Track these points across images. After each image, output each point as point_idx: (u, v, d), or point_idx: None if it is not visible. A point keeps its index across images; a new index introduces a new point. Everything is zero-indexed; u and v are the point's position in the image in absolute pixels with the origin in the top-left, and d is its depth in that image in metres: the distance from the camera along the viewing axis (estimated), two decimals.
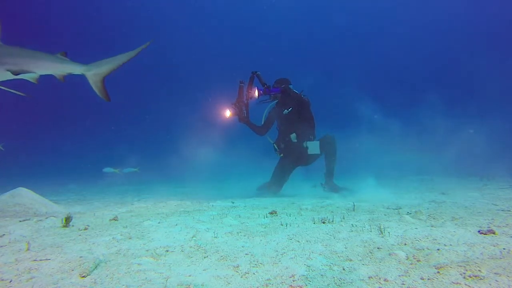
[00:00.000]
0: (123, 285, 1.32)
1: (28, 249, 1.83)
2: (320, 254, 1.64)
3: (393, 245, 1.75)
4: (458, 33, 26.65)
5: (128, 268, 1.50)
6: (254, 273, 1.42)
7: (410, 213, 2.69)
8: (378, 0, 28.47)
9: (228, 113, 4.77)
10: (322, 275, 1.37)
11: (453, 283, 1.22)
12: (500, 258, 1.46)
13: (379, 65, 27.91)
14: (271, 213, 2.90)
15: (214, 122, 4.89)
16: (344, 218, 2.56)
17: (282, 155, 5.04)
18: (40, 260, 1.63)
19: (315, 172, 5.30)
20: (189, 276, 1.41)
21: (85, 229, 2.40)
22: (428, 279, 1.27)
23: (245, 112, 4.84)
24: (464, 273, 1.29)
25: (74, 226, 2.52)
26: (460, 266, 1.36)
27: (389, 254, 1.59)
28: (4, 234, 2.25)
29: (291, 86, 4.99)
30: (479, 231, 1.92)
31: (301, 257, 1.60)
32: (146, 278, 1.39)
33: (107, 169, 8.01)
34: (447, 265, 1.39)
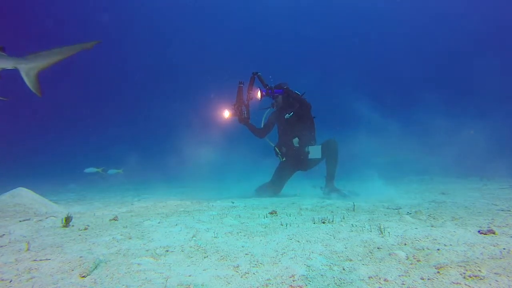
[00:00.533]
0: (123, 285, 1.32)
1: (28, 249, 1.83)
2: (320, 254, 1.64)
3: (393, 245, 1.75)
4: (458, 33, 26.67)
5: (128, 268, 1.50)
6: (254, 273, 1.42)
7: (410, 213, 2.69)
8: (378, 0, 28.49)
9: (227, 113, 4.75)
10: (322, 275, 1.37)
11: (453, 283, 1.22)
12: (500, 258, 1.46)
13: (379, 65, 27.94)
14: (271, 213, 2.90)
15: (214, 122, 4.87)
16: (344, 218, 2.56)
17: (284, 159, 4.99)
18: (40, 260, 1.63)
19: (315, 172, 5.29)
20: (189, 276, 1.41)
21: (85, 229, 2.40)
22: (428, 279, 1.27)
23: (245, 113, 4.82)
24: (464, 273, 1.29)
25: (74, 226, 2.52)
26: (460, 266, 1.36)
27: (389, 254, 1.59)
28: (4, 234, 2.25)
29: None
30: (479, 231, 1.92)
31: (301, 257, 1.60)
32: (146, 278, 1.39)
33: (89, 170, 7.78)
34: (447, 265, 1.39)
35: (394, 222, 2.31)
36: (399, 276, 1.32)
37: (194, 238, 2.05)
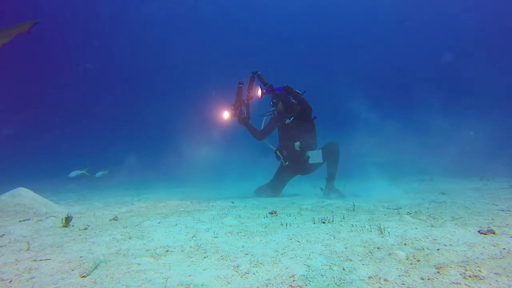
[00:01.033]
0: (123, 285, 1.32)
1: (28, 249, 1.83)
2: (320, 254, 1.64)
3: (393, 245, 1.75)
4: (458, 33, 26.67)
5: (128, 268, 1.50)
6: (254, 273, 1.42)
7: (410, 213, 2.69)
8: (378, 0, 28.49)
9: (226, 115, 4.73)
10: (322, 275, 1.37)
11: (453, 283, 1.22)
12: (500, 258, 1.46)
13: (379, 65, 27.92)
14: (271, 213, 2.90)
15: (214, 122, 4.85)
16: (344, 218, 2.56)
17: (287, 163, 4.94)
18: (40, 260, 1.63)
19: (315, 172, 5.28)
20: (189, 276, 1.41)
21: (85, 229, 2.40)
22: (428, 279, 1.27)
23: (245, 113, 4.80)
24: (464, 273, 1.29)
25: (74, 226, 2.52)
26: (460, 266, 1.36)
27: (389, 254, 1.59)
28: (4, 234, 2.25)
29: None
30: (479, 231, 1.92)
31: (301, 257, 1.60)
32: (146, 278, 1.39)
33: (73, 173, 7.35)
34: (447, 265, 1.39)
35: (394, 222, 2.31)
36: (399, 276, 1.32)
37: (194, 238, 2.05)
